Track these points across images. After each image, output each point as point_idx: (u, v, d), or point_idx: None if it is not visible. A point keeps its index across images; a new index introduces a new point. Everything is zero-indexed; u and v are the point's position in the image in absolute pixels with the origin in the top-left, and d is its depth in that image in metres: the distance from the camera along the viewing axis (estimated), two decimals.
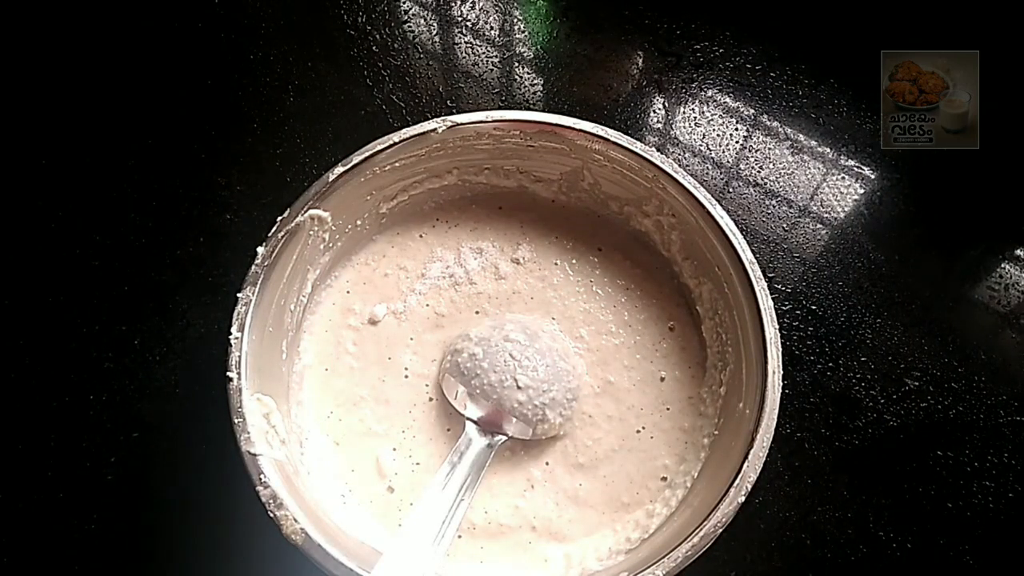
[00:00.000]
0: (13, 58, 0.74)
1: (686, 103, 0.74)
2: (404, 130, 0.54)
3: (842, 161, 0.71)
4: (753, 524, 0.55)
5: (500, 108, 0.72)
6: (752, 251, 0.50)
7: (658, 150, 0.54)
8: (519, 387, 0.51)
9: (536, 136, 0.55)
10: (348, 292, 0.58)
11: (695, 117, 0.73)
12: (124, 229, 0.66)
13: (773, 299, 0.49)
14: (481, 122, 0.54)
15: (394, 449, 0.53)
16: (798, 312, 0.64)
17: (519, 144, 0.56)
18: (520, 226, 0.61)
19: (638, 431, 0.54)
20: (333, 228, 0.54)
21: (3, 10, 0.77)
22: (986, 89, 0.66)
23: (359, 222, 0.57)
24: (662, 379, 0.55)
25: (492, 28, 0.78)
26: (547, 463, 0.53)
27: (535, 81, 0.75)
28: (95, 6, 0.77)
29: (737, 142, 0.72)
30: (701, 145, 0.72)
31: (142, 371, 0.60)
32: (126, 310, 0.62)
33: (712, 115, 0.73)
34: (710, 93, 0.74)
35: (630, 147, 0.53)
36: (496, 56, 0.76)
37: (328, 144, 0.69)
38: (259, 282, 0.49)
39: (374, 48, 0.76)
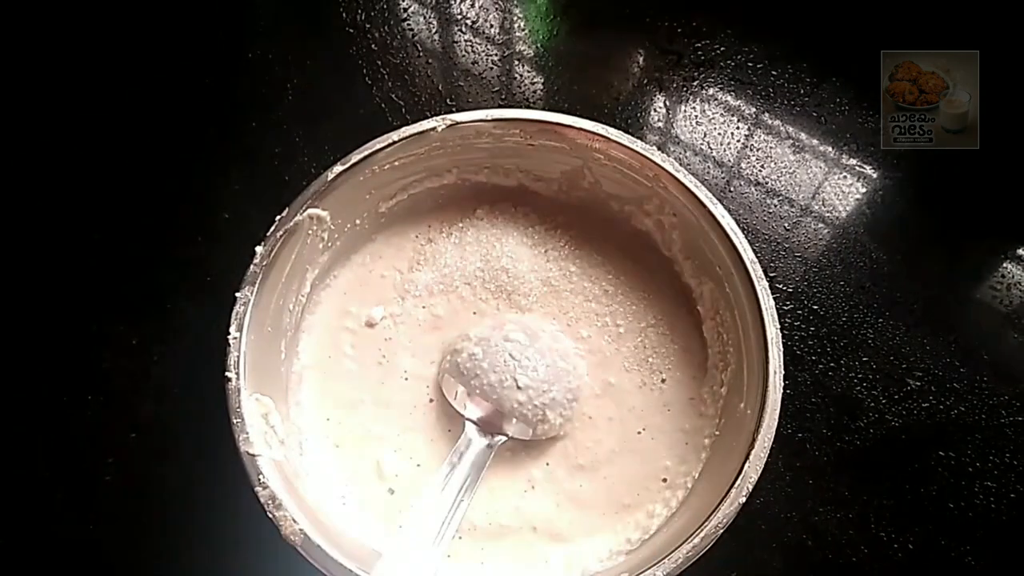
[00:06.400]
0: (13, 58, 0.74)
1: (687, 102, 0.74)
2: (403, 129, 0.54)
3: (844, 160, 0.71)
4: (754, 525, 0.55)
5: (500, 106, 0.72)
6: (753, 250, 0.50)
7: (659, 149, 0.54)
8: (519, 387, 0.51)
9: (536, 135, 0.55)
10: (345, 294, 0.58)
11: (696, 116, 0.73)
12: (122, 229, 0.66)
13: (774, 299, 0.49)
14: (481, 121, 0.54)
15: (394, 451, 0.53)
16: (799, 312, 0.64)
17: (519, 143, 0.56)
18: None
19: (639, 432, 0.53)
20: (332, 227, 0.54)
21: (3, 10, 0.76)
22: (986, 89, 0.66)
23: (358, 221, 0.57)
24: (663, 380, 0.55)
25: (492, 26, 0.78)
26: (547, 464, 0.53)
27: (535, 79, 0.75)
28: (95, 6, 0.77)
29: (738, 141, 0.72)
30: (702, 144, 0.71)
31: (140, 371, 0.60)
32: (124, 310, 0.62)
33: (713, 114, 0.73)
34: (711, 91, 0.74)
35: (631, 146, 0.53)
36: (496, 54, 0.76)
37: (327, 143, 0.69)
38: (257, 282, 0.48)
39: (373, 46, 0.75)
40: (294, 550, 0.42)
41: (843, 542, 0.55)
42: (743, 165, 0.71)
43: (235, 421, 0.44)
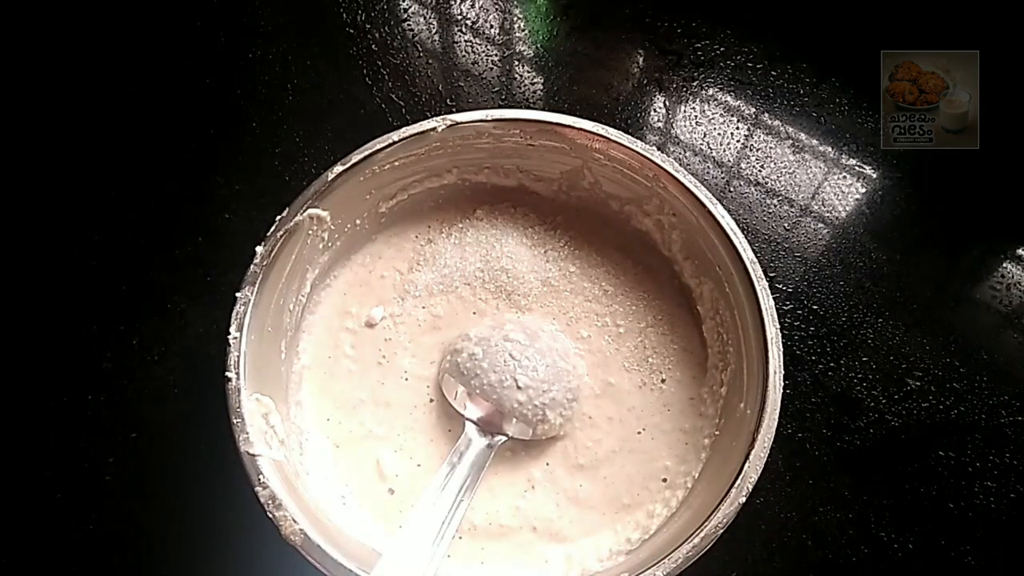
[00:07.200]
0: (13, 58, 0.74)
1: (687, 102, 0.74)
2: (403, 129, 0.54)
3: (843, 160, 0.71)
4: (754, 525, 0.55)
5: (500, 107, 0.72)
6: (753, 250, 0.50)
7: (659, 149, 0.54)
8: (519, 387, 0.51)
9: (536, 135, 0.55)
10: (345, 294, 0.58)
11: (696, 116, 0.73)
12: (122, 228, 0.66)
13: (774, 299, 0.49)
14: (481, 121, 0.54)
15: (394, 451, 0.53)
16: (799, 312, 0.64)
17: (519, 143, 0.56)
18: None
19: (638, 432, 0.53)
20: (332, 227, 0.54)
21: (3, 10, 0.76)
22: (986, 89, 0.66)
23: (358, 221, 0.57)
24: (663, 380, 0.55)
25: (492, 26, 0.78)
26: (547, 464, 0.53)
27: (535, 80, 0.75)
28: (95, 6, 0.77)
29: (738, 141, 0.72)
30: (702, 144, 0.71)
31: (140, 371, 0.60)
32: (124, 310, 0.62)
33: (713, 114, 0.73)
34: (711, 92, 0.74)
35: (631, 146, 0.53)
36: (496, 55, 0.76)
37: (327, 143, 0.69)
38: (258, 282, 0.48)
39: (373, 47, 0.76)
40: (294, 550, 0.42)
41: (843, 542, 0.55)
42: (743, 165, 0.71)
43: (235, 421, 0.44)
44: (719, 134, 0.72)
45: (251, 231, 0.51)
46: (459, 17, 0.78)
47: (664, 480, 0.52)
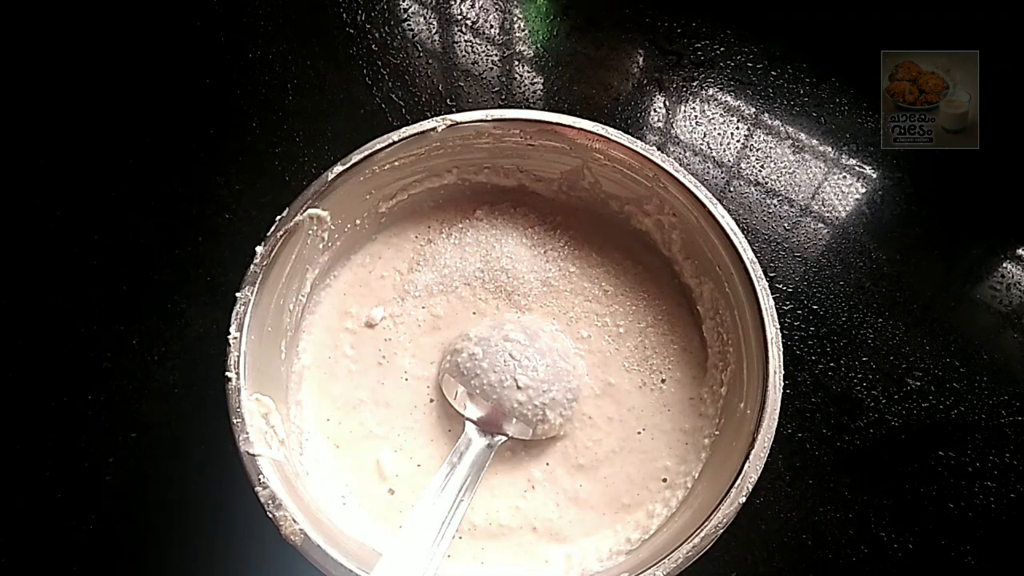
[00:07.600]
0: (13, 58, 0.74)
1: (687, 102, 0.74)
2: (403, 129, 0.54)
3: (843, 160, 0.71)
4: (754, 525, 0.55)
5: (500, 107, 0.72)
6: (753, 250, 0.50)
7: (659, 149, 0.54)
8: (519, 387, 0.51)
9: (536, 135, 0.55)
10: (345, 294, 0.58)
11: (696, 116, 0.73)
12: (122, 228, 0.66)
13: (774, 299, 0.49)
14: (481, 121, 0.54)
15: (394, 451, 0.53)
16: (799, 312, 0.64)
17: (519, 143, 0.56)
18: None
19: (639, 432, 0.53)
20: (332, 227, 0.54)
21: (3, 10, 0.76)
22: (986, 89, 0.66)
23: (358, 221, 0.57)
24: (663, 380, 0.55)
25: (492, 26, 0.78)
26: (547, 464, 0.53)
27: (535, 80, 0.75)
28: (95, 6, 0.77)
29: (738, 141, 0.72)
30: (702, 144, 0.71)
31: (141, 371, 0.60)
32: (125, 310, 0.62)
33: (713, 114, 0.73)
34: (711, 92, 0.74)
35: (631, 146, 0.53)
36: (496, 55, 0.76)
37: (327, 143, 0.69)
38: (258, 282, 0.48)
39: (373, 47, 0.76)
40: (294, 550, 0.42)
41: (843, 542, 0.55)
42: (743, 165, 0.71)
43: (235, 421, 0.44)
44: (719, 134, 0.72)
45: (251, 231, 0.51)
46: (459, 17, 0.78)
47: (664, 480, 0.52)
